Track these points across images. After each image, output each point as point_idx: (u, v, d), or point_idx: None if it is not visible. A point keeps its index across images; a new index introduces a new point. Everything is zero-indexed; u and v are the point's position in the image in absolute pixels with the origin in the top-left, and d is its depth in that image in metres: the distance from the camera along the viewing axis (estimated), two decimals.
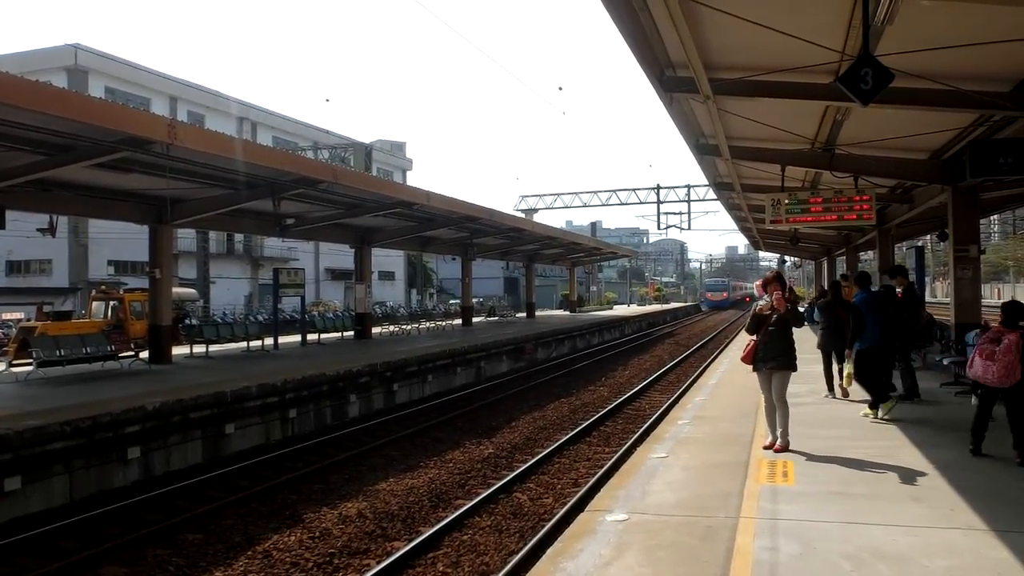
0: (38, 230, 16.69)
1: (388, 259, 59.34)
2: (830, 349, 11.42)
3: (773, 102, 10.27)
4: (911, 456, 7.37)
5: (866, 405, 9.63)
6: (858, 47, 7.18)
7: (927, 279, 47.78)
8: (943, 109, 9.51)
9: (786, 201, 13.82)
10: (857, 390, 10.61)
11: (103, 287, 25.47)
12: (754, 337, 7.89)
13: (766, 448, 7.87)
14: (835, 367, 11.40)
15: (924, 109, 9.50)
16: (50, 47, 40.93)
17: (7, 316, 29.91)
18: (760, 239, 35.72)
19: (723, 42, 8.45)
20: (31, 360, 14.85)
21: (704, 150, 14.22)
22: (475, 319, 37.87)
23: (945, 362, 12.52)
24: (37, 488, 9.31)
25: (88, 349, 15.56)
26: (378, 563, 7.35)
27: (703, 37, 8.08)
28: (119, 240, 36.77)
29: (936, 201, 14.35)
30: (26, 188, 14.26)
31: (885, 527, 5.29)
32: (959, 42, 7.57)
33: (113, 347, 16.19)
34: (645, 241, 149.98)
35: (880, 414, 9.41)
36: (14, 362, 15.31)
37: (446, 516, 8.79)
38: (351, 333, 26.38)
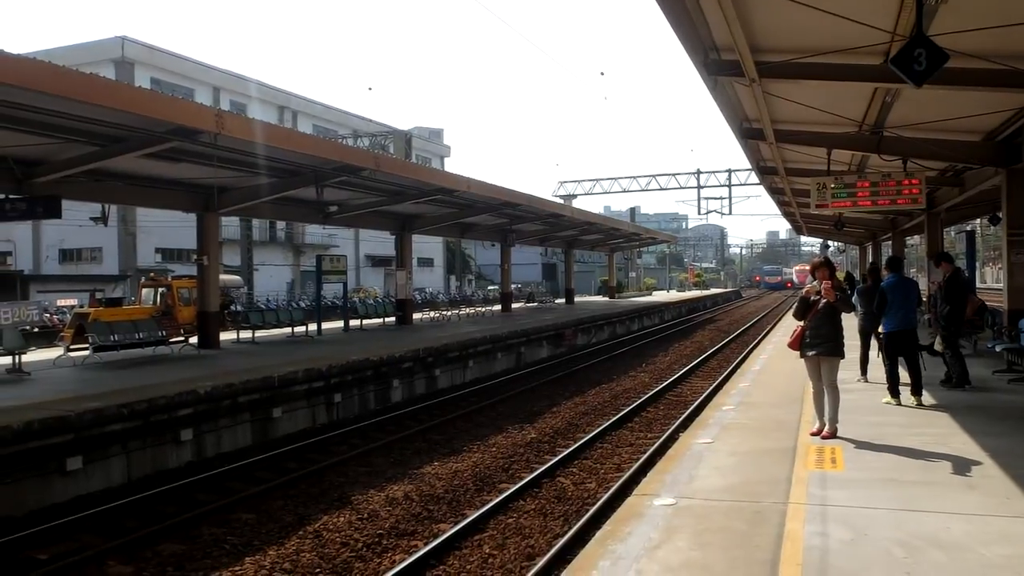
0: (91, 219, 17.18)
1: (427, 245, 59.73)
2: (870, 331, 11.44)
3: (819, 84, 10.12)
4: (964, 444, 7.26)
5: (907, 390, 9.52)
6: (909, 27, 7.06)
7: (976, 264, 46.54)
8: (999, 89, 9.28)
9: (832, 185, 13.60)
10: (904, 376, 10.45)
11: (152, 274, 26.13)
12: (801, 323, 7.83)
13: (813, 434, 7.82)
14: (873, 352, 11.45)
15: (979, 90, 9.28)
16: (98, 40, 41.87)
17: (62, 303, 30.81)
18: (803, 224, 35.19)
19: (769, 24, 8.34)
20: (87, 345, 15.30)
21: (748, 134, 14.06)
22: (514, 305, 37.97)
23: (998, 348, 12.28)
24: (97, 468, 9.64)
25: (140, 334, 16.00)
26: (426, 544, 7.48)
27: (749, 19, 7.99)
28: (165, 228, 37.65)
29: (989, 184, 14.03)
30: (80, 178, 14.68)
31: (939, 514, 5.25)
32: (1015, 20, 7.37)
33: (164, 332, 16.62)
34: (684, 226, 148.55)
35: (889, 400, 9.51)
36: (71, 347, 15.78)
37: (491, 499, 8.89)
38: (392, 319, 26.67)
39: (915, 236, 35.31)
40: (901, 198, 13.24)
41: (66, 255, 44.14)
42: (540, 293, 50.33)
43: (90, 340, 15.19)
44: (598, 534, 5.39)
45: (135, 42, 42.47)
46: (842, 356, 7.73)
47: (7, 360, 13.47)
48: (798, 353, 7.96)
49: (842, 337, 7.70)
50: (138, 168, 15.21)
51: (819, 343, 7.63)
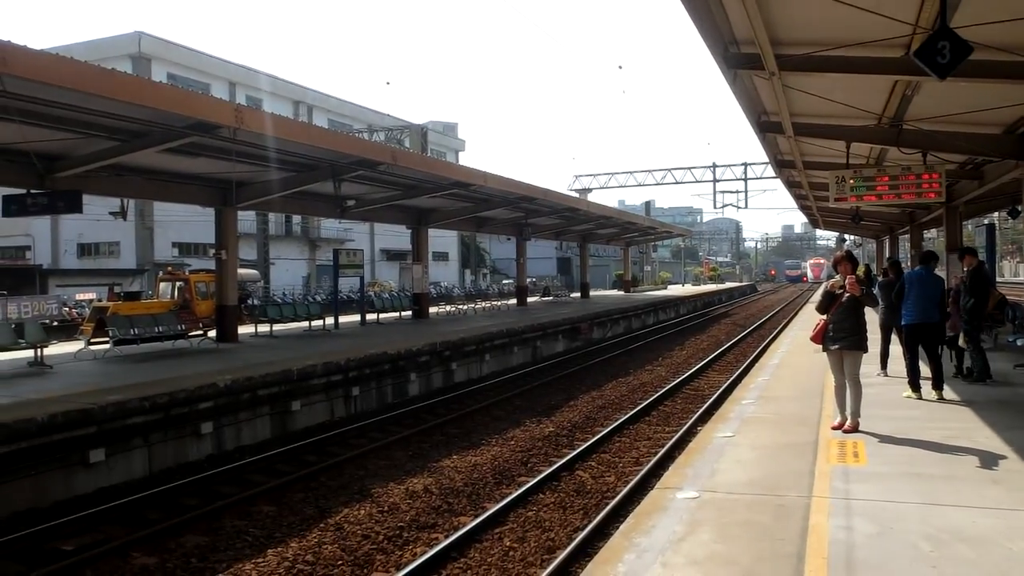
0: (111, 213, 17.30)
1: (442, 240, 59.82)
2: (890, 325, 11.39)
3: (839, 77, 10.03)
4: (987, 438, 7.22)
5: (928, 384, 9.47)
6: (931, 19, 6.99)
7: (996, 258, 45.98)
8: (1021, 82, 9.17)
9: (851, 179, 13.50)
10: (924, 370, 10.40)
11: (170, 268, 26.30)
12: (824, 316, 7.80)
13: (835, 428, 7.80)
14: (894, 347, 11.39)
15: (1002, 82, 9.17)
16: (115, 35, 42.10)
17: (80, 297, 31.11)
18: (819, 217, 34.90)
19: (790, 16, 8.28)
20: (107, 338, 15.45)
21: (766, 127, 13.97)
22: (529, 299, 37.98)
23: (1019, 343, 12.19)
24: (119, 460, 9.75)
25: (160, 328, 16.15)
26: (447, 537, 7.52)
27: (769, 12, 7.93)
28: (181, 223, 37.91)
29: (1008, 177, 13.86)
30: (101, 173, 14.80)
31: (964, 508, 5.23)
32: None
33: (183, 326, 16.75)
34: (700, 220, 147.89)
35: (909, 394, 9.45)
36: (92, 340, 15.94)
37: (510, 492, 8.92)
38: (408, 313, 26.75)
39: (933, 230, 34.96)
40: (920, 192, 13.13)
41: (84, 249, 44.50)
42: (555, 287, 50.25)
43: (110, 334, 15.34)
44: (622, 527, 5.41)
45: (152, 37, 42.69)
46: (865, 350, 7.71)
47: (29, 353, 13.63)
48: (819, 347, 7.94)
49: (865, 331, 7.67)
50: (157, 163, 15.32)
51: (842, 337, 7.61)
